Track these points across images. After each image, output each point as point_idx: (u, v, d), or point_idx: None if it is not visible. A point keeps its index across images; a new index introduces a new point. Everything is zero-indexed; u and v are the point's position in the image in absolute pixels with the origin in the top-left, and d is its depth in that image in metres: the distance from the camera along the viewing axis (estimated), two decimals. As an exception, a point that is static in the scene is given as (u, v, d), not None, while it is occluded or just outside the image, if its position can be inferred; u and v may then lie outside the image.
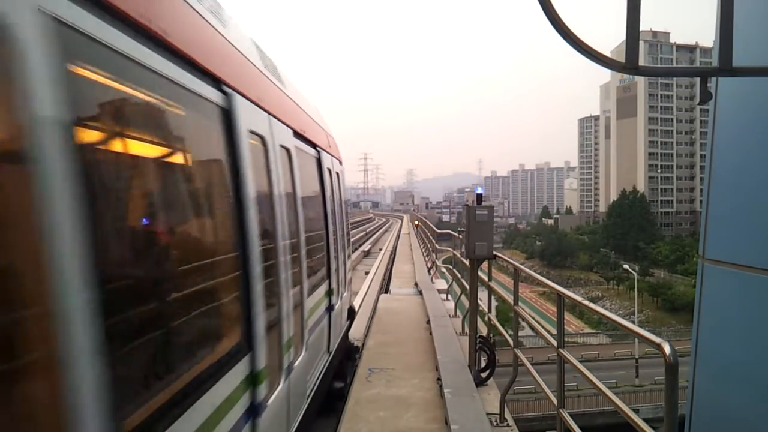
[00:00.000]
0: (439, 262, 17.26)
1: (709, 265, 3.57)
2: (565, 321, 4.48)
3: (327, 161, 7.22)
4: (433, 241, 20.14)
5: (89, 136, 1.90)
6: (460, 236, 9.32)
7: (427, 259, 20.14)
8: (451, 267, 14.21)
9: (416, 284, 14.87)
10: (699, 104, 2.81)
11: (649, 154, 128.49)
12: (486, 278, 7.48)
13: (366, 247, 38.00)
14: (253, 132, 3.65)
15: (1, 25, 1.41)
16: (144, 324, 2.17)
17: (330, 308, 6.76)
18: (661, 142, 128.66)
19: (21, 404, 1.54)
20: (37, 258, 1.52)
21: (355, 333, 10.42)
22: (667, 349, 2.66)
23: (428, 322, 9.73)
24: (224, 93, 3.14)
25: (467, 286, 8.02)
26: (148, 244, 2.36)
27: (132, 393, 2.05)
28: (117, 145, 2.15)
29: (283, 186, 4.44)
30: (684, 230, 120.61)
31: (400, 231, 45.68)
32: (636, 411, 3.31)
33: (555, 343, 4.29)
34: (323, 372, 6.23)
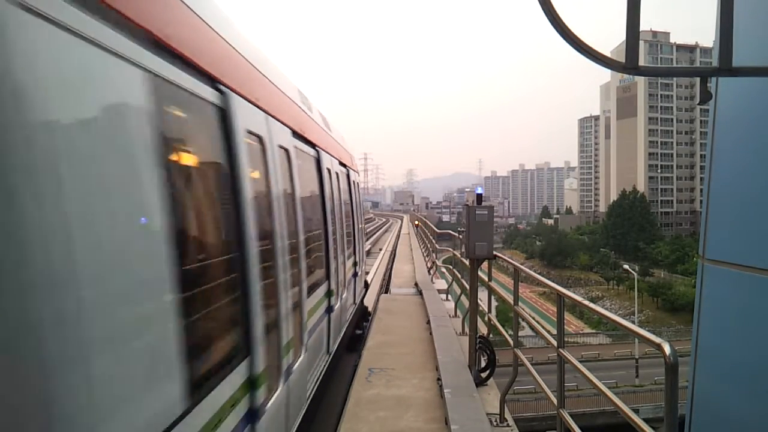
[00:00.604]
0: (439, 262, 17.25)
1: (709, 265, 3.57)
2: (565, 321, 4.48)
3: (344, 173, 8.66)
4: (433, 241, 20.14)
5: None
6: (460, 236, 9.31)
7: (427, 259, 20.13)
8: (451, 267, 14.21)
9: (416, 284, 14.87)
10: (699, 104, 2.81)
11: (649, 154, 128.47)
12: (486, 278, 7.48)
13: (366, 247, 38.15)
14: (282, 147, 4.55)
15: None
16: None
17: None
18: (661, 142, 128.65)
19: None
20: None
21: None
22: (667, 349, 2.66)
23: (428, 322, 9.73)
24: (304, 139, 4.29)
25: (467, 286, 8.01)
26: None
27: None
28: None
29: (304, 187, 5.44)
30: (684, 230, 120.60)
31: (400, 231, 45.63)
32: (636, 411, 3.31)
33: (555, 343, 4.29)
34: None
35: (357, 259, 10.37)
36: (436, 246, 19.12)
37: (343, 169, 9.19)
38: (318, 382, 5.90)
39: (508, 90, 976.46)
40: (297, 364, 4.64)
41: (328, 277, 6.85)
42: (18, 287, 1.46)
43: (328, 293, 6.81)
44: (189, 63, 2.69)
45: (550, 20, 2.64)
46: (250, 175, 3.46)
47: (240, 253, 3.25)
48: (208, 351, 2.88)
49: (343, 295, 8.29)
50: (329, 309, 6.80)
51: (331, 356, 6.99)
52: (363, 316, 11.58)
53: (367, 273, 15.62)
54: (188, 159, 2.86)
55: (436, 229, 21.58)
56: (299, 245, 5.01)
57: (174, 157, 2.62)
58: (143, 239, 2.19)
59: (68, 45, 1.73)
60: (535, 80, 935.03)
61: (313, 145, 6.50)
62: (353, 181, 10.21)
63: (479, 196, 6.81)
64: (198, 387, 2.54)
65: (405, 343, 8.77)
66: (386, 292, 15.01)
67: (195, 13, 2.95)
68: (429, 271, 17.59)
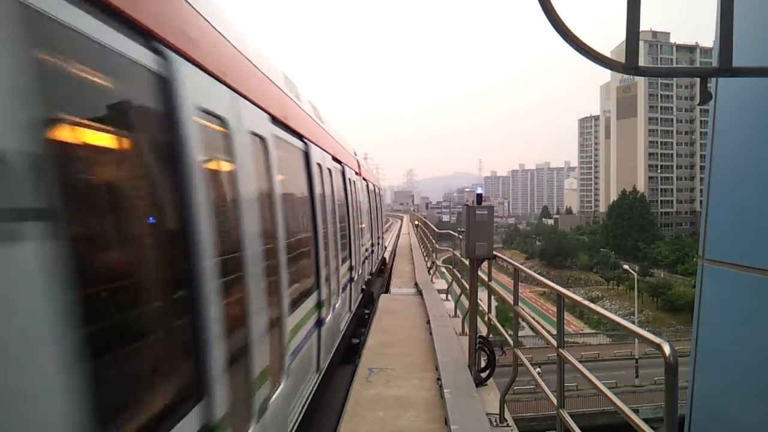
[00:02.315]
0: (439, 262, 17.25)
1: (709, 265, 3.57)
2: (565, 321, 4.48)
3: (339, 169, 8.69)
4: (433, 241, 20.14)
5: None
6: (460, 236, 9.31)
7: (427, 259, 20.13)
8: (451, 267, 14.21)
9: (416, 284, 14.86)
10: (699, 104, 2.81)
11: (649, 154, 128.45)
12: (486, 278, 7.47)
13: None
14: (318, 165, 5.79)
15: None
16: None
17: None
18: (661, 142, 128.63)
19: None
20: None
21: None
22: (666, 349, 2.65)
23: (428, 322, 9.73)
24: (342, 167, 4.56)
25: (467, 286, 8.01)
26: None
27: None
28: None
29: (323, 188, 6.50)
30: (684, 230, 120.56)
31: (400, 231, 45.54)
32: (636, 411, 3.30)
33: (555, 343, 4.29)
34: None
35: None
36: (436, 246, 19.12)
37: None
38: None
39: (508, 90, 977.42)
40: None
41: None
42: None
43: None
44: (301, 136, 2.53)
45: (550, 21, 2.64)
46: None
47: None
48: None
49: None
50: (319, 323, 6.16)
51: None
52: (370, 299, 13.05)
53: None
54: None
55: (436, 229, 21.58)
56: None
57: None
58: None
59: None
60: (535, 80, 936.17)
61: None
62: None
63: (479, 196, 6.81)
64: None
65: (405, 343, 8.77)
66: (386, 292, 15.00)
67: None
68: (429, 271, 17.59)
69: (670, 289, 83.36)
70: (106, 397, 1.83)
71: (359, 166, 12.46)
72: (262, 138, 4.03)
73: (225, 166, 3.23)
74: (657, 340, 2.81)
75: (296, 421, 4.84)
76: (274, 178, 4.27)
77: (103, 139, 2.07)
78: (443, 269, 16.41)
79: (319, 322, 6.16)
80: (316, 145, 6.63)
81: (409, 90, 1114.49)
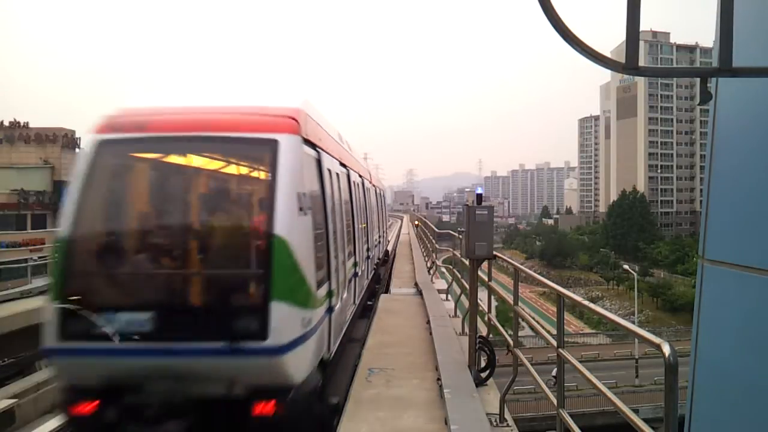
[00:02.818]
0: (439, 262, 17.25)
1: (709, 265, 3.57)
2: (565, 321, 4.48)
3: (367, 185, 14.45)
4: (433, 241, 20.15)
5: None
6: (460, 236, 9.32)
7: (427, 259, 20.14)
8: (451, 267, 14.21)
9: (416, 284, 14.86)
10: (699, 104, 2.81)
11: (649, 154, 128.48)
12: (486, 278, 7.46)
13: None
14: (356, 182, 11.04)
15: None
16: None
17: (355, 274, 9.75)
18: (661, 142, 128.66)
19: None
20: None
21: (356, 332, 10.44)
22: (666, 349, 2.65)
23: (428, 322, 9.73)
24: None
25: (467, 286, 8.02)
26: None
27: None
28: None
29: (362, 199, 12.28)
30: (684, 230, 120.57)
31: (399, 231, 45.52)
32: (636, 411, 3.30)
33: (555, 343, 4.29)
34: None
35: (369, 245, 13.66)
36: (436, 246, 19.13)
37: (359, 179, 12.46)
38: (350, 318, 9.22)
39: (509, 90, 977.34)
40: (344, 296, 7.90)
41: (367, 243, 12.89)
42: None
43: (367, 257, 12.57)
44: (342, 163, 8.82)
45: (550, 20, 2.64)
46: (339, 183, 8.39)
47: (351, 231, 9.10)
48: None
49: (365, 266, 12.39)
50: (355, 274, 9.78)
51: (356, 306, 10.12)
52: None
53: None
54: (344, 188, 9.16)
55: (436, 229, 21.60)
56: (352, 227, 9.65)
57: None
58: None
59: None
60: (536, 80, 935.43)
61: (346, 167, 9.85)
62: (366, 188, 14.27)
63: (479, 196, 6.81)
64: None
65: (405, 343, 8.77)
66: (386, 292, 15.00)
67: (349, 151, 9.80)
68: (429, 271, 17.59)
69: (670, 289, 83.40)
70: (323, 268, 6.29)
71: (370, 176, 17.22)
72: (338, 172, 8.50)
73: (343, 182, 8.98)
74: (657, 340, 2.81)
75: (347, 321, 8.83)
76: (344, 187, 9.06)
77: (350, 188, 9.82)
78: (443, 269, 16.42)
79: (355, 273, 9.82)
80: (352, 169, 10.75)
81: (409, 90, 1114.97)
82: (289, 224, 4.90)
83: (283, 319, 4.77)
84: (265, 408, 4.79)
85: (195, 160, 5.76)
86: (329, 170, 7.21)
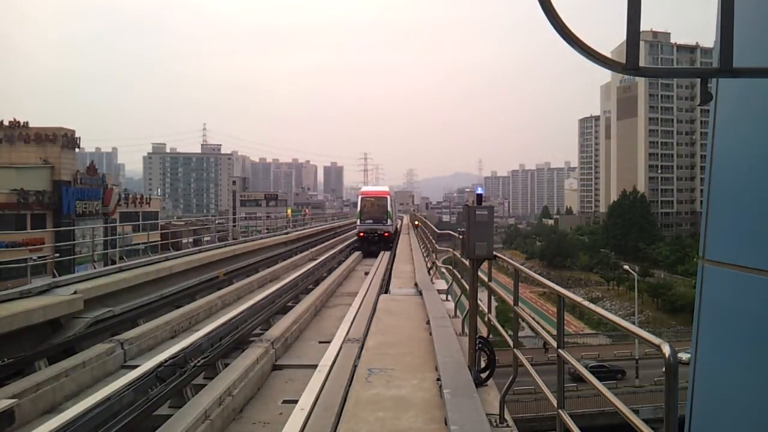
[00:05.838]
0: (439, 263, 17.25)
1: (709, 266, 3.56)
2: (565, 321, 4.48)
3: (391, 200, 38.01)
4: (433, 241, 20.16)
5: None
6: (460, 236, 9.31)
7: (427, 259, 20.16)
8: (451, 267, 14.21)
9: (416, 285, 14.86)
10: (699, 105, 2.80)
11: (650, 154, 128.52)
12: (486, 278, 7.45)
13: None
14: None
15: None
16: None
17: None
18: (661, 142, 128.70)
19: None
20: None
21: (355, 333, 10.43)
22: (666, 349, 2.65)
23: (428, 323, 9.72)
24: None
25: (467, 287, 8.01)
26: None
27: None
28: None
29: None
30: (684, 231, 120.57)
31: (400, 231, 45.70)
32: (636, 412, 3.30)
33: (555, 343, 4.29)
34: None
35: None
36: (436, 246, 19.14)
37: (389, 197, 36.09)
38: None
39: (509, 90, 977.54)
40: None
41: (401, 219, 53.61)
42: None
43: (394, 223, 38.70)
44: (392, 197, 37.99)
45: (550, 20, 2.63)
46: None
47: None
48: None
49: (399, 222, 47.16)
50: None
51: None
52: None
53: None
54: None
55: (436, 229, 21.62)
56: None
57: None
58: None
59: None
60: (536, 80, 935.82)
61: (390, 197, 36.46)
62: (393, 201, 38.28)
63: (479, 196, 6.80)
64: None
65: (405, 344, 8.76)
66: (386, 293, 15.01)
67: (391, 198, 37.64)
68: (429, 272, 17.60)
69: (670, 290, 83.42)
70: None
71: (393, 194, 40.21)
72: (393, 199, 39.30)
73: (396, 204, 46.23)
74: (657, 340, 2.80)
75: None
76: (396, 205, 43.69)
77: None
78: (443, 269, 16.42)
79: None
80: (392, 198, 36.99)
81: (409, 90, 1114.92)
82: (392, 209, 35.41)
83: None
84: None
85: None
86: (393, 200, 37.59)
